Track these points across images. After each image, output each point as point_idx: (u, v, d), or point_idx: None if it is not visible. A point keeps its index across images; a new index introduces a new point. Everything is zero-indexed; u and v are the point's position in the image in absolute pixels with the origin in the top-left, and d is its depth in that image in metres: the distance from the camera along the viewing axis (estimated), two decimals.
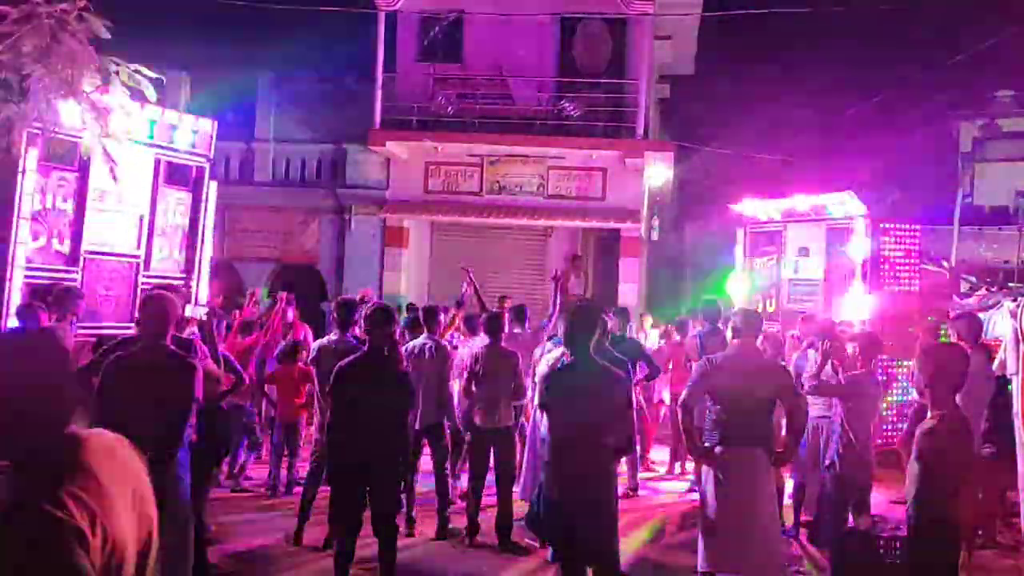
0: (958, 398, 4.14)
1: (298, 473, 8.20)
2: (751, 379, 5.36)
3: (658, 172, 15.95)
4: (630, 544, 6.92)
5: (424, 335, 7.57)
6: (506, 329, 7.80)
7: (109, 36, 7.37)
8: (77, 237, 8.35)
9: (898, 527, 6.46)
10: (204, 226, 9.65)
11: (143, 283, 8.73)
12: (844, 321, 8.93)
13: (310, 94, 16.10)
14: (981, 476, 6.63)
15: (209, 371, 5.60)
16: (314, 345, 7.34)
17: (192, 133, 9.34)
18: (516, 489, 7.25)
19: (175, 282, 9.02)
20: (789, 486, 7.68)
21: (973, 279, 12.64)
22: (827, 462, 6.54)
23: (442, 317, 8.28)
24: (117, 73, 7.38)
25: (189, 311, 7.95)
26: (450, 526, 7.12)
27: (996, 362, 7.12)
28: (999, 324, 9.55)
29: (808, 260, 10.88)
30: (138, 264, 9.03)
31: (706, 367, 5.58)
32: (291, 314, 10.10)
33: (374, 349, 5.65)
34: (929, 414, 4.14)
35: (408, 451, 6.31)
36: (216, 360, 5.98)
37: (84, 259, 8.43)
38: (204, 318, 7.02)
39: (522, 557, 6.62)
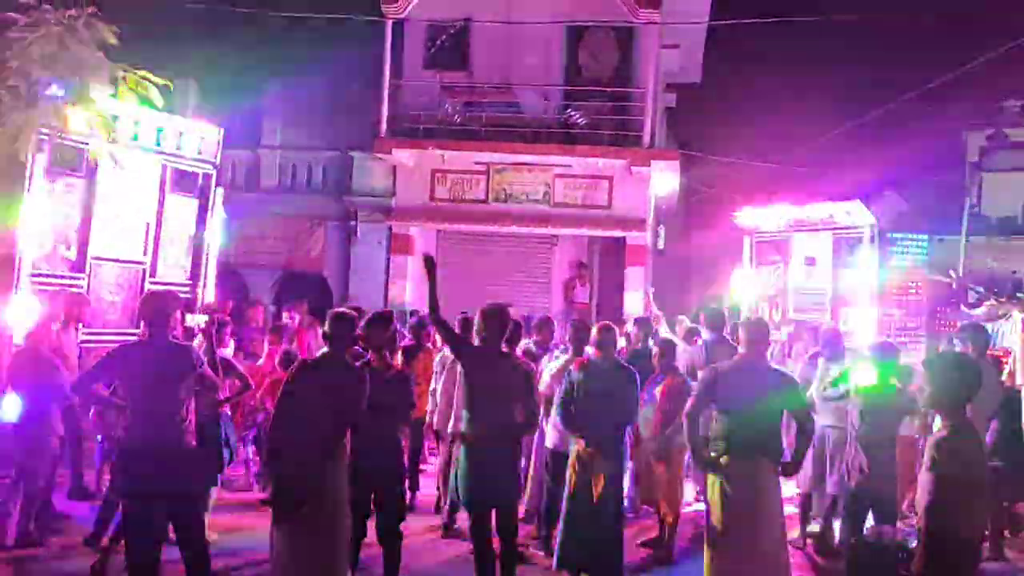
0: (967, 409, 4.10)
1: None
2: (758, 389, 5.33)
3: (664, 180, 15.91)
4: (635, 553, 6.90)
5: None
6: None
7: (117, 43, 7.39)
8: (84, 243, 8.36)
9: (906, 538, 6.40)
10: (210, 233, 9.66)
11: (147, 291, 8.73)
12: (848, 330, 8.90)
13: (317, 101, 16.10)
14: (989, 488, 6.58)
15: (206, 378, 5.60)
16: (319, 354, 7.33)
17: (199, 140, 9.36)
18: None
19: (181, 289, 9.02)
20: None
21: (981, 289, 12.57)
22: (837, 476, 6.49)
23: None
24: (125, 80, 7.39)
25: (189, 319, 7.95)
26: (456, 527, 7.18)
27: (1005, 373, 7.08)
28: (1008, 335, 9.51)
29: (814, 269, 10.84)
30: (144, 271, 9.04)
31: (712, 376, 5.56)
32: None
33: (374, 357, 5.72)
34: (938, 424, 4.11)
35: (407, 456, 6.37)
36: (214, 367, 5.98)
37: (90, 265, 8.44)
38: (204, 326, 7.02)
39: (527, 566, 6.58)
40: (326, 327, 5.33)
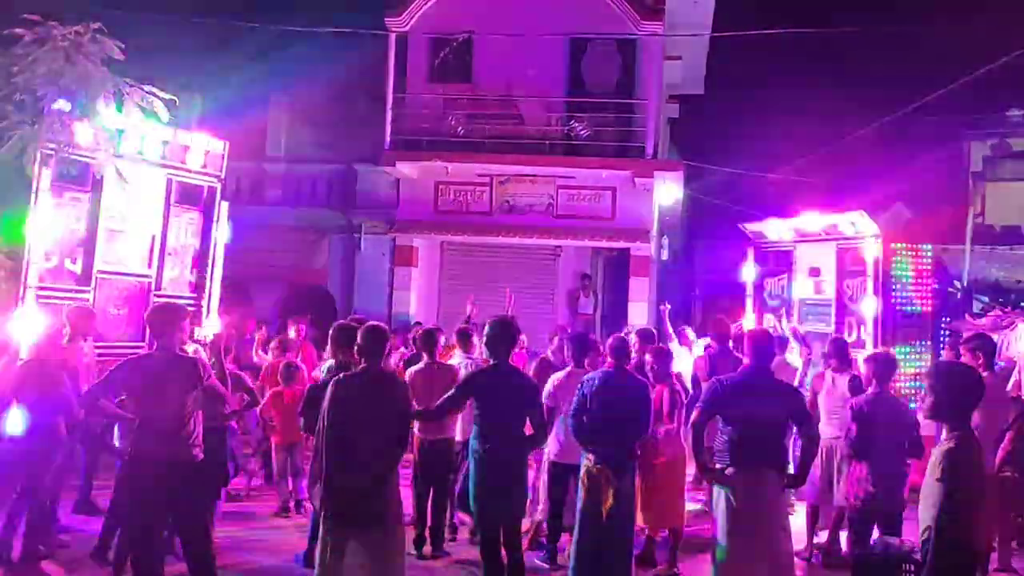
0: (974, 419, 4.09)
1: (304, 492, 8.18)
2: (763, 401, 5.33)
3: (668, 191, 15.94)
4: (642, 566, 6.87)
5: (461, 354, 7.70)
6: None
7: (122, 57, 7.43)
8: (89, 257, 8.38)
9: (913, 549, 6.36)
10: (215, 246, 9.68)
11: (154, 302, 8.74)
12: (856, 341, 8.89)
13: (321, 114, 16.18)
14: (999, 499, 6.55)
15: (214, 390, 5.61)
16: (323, 366, 7.35)
17: (203, 153, 9.38)
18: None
19: (186, 302, 9.03)
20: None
21: (985, 299, 12.56)
22: (844, 487, 6.46)
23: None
24: (130, 94, 7.43)
25: (198, 332, 7.96)
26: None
27: (1011, 383, 7.06)
28: (1013, 345, 9.49)
29: (819, 280, 10.82)
30: (149, 284, 9.05)
31: (717, 388, 5.55)
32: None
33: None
34: (944, 435, 4.09)
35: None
36: (223, 380, 5.99)
37: (96, 279, 8.45)
38: (212, 339, 7.05)
39: None
40: (361, 340, 5.22)
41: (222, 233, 9.73)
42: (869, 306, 9.68)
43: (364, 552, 4.94)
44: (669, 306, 10.49)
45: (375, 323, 5.46)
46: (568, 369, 6.92)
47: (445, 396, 5.91)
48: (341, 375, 5.25)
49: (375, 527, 4.93)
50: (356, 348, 5.25)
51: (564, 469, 6.74)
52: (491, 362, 5.85)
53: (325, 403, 5.02)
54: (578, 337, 7.26)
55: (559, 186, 15.07)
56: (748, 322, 11.00)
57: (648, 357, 7.28)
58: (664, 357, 7.23)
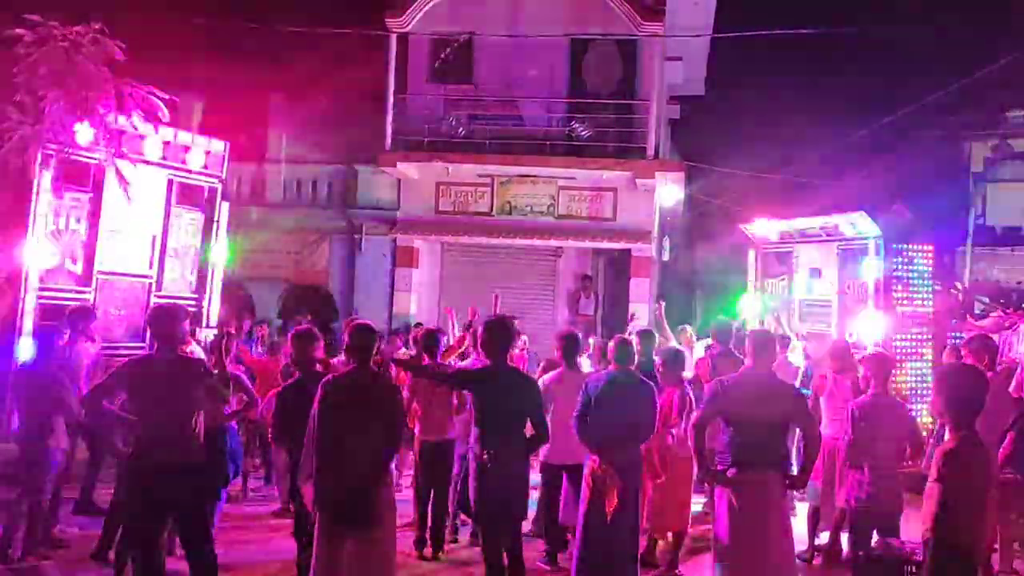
0: (978, 421, 4.08)
1: None
2: (764, 402, 5.31)
3: (669, 192, 15.92)
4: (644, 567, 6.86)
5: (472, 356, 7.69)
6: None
7: (123, 58, 7.44)
8: (90, 257, 8.39)
9: (914, 551, 6.35)
10: (215, 246, 9.69)
11: (155, 303, 8.75)
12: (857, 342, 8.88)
13: (322, 115, 16.15)
14: (1000, 501, 6.53)
15: (215, 391, 5.60)
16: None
17: (204, 154, 9.40)
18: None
19: (187, 302, 9.04)
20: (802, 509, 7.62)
21: (986, 300, 12.53)
22: (845, 489, 6.44)
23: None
24: (131, 95, 7.44)
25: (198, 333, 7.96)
26: None
27: (1013, 383, 7.04)
28: (1015, 346, 9.47)
29: (820, 281, 10.82)
30: (150, 284, 9.06)
31: (718, 389, 5.54)
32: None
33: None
34: (947, 436, 4.09)
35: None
36: (224, 381, 5.98)
37: (97, 279, 8.47)
38: (212, 339, 7.04)
39: None
40: (350, 340, 5.18)
41: (222, 234, 9.74)
42: (870, 307, 9.67)
43: (357, 552, 4.92)
44: (663, 304, 10.47)
45: (363, 322, 5.45)
46: (560, 370, 6.90)
47: (438, 371, 6.05)
48: (331, 376, 5.26)
49: (368, 527, 4.91)
50: (344, 348, 5.25)
51: (556, 469, 6.74)
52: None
53: (315, 404, 5.01)
54: (569, 337, 7.19)
55: (560, 187, 15.05)
56: (749, 323, 10.98)
57: (657, 359, 7.22)
58: (675, 360, 7.16)
